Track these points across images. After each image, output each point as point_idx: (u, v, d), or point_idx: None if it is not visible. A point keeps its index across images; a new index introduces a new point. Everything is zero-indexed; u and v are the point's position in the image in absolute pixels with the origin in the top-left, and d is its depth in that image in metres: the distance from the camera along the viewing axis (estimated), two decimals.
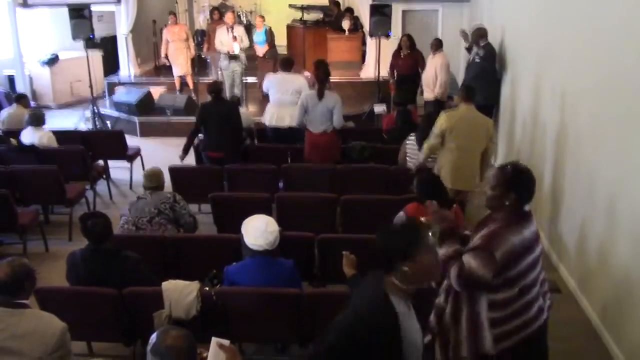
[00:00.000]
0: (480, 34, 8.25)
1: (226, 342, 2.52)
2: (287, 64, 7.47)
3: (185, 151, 6.74)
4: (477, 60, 8.22)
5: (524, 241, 2.91)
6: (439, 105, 8.41)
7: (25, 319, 3.02)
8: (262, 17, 11.73)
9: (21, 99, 8.28)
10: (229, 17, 10.20)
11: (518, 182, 2.97)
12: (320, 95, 6.46)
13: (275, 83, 7.41)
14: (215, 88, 6.74)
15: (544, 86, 6.35)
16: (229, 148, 6.62)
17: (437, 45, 8.86)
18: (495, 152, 8.65)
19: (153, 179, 4.99)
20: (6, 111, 8.31)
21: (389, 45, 10.45)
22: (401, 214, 4.35)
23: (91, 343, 4.35)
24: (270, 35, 11.29)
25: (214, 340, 2.52)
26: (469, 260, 2.93)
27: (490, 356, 3.02)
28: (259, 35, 11.42)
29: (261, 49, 11.30)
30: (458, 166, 5.56)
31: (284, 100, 7.26)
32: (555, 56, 5.99)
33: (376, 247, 2.45)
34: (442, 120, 5.56)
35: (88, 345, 4.34)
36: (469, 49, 8.70)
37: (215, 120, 6.58)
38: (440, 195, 4.05)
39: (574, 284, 5.26)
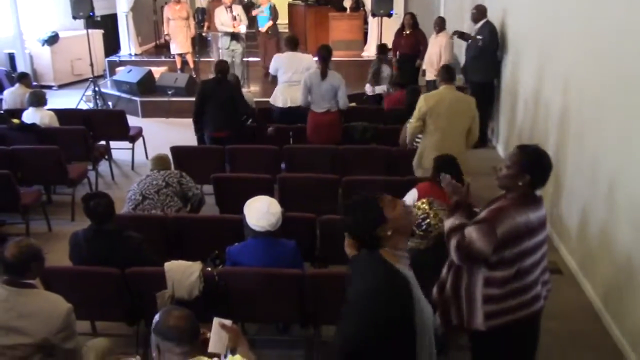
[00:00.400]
0: (480, 11, 8.19)
1: (228, 322, 2.53)
2: (293, 43, 7.39)
3: (201, 140, 6.87)
4: (479, 37, 8.17)
5: (528, 223, 2.91)
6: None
7: (32, 299, 3.05)
8: None
9: (23, 78, 8.23)
10: None
11: (536, 165, 2.96)
12: (324, 75, 6.44)
13: (285, 63, 7.31)
14: (222, 68, 6.71)
15: (547, 69, 6.32)
16: (233, 128, 6.61)
17: (441, 24, 8.80)
18: (497, 133, 8.65)
19: (160, 162, 5.07)
20: (8, 91, 8.29)
21: (391, 25, 10.39)
22: (413, 192, 4.35)
23: (95, 322, 4.38)
24: (274, 12, 11.23)
25: (216, 320, 2.54)
26: (470, 232, 2.93)
27: (482, 333, 3.03)
28: (264, 10, 11.35)
29: (265, 25, 11.25)
30: (442, 148, 5.38)
31: (294, 79, 7.17)
32: (559, 39, 5.94)
33: (351, 232, 2.38)
34: (421, 103, 5.50)
35: (92, 324, 4.37)
36: (463, 38, 8.64)
37: (217, 100, 6.56)
38: (453, 171, 4.06)
39: (575, 266, 5.28)
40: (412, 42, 9.39)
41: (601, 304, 4.71)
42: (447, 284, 3.16)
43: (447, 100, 5.45)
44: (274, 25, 11.27)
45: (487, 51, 8.12)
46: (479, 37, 8.18)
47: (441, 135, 5.46)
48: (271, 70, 7.52)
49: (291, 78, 7.23)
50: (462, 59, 10.13)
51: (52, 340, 3.02)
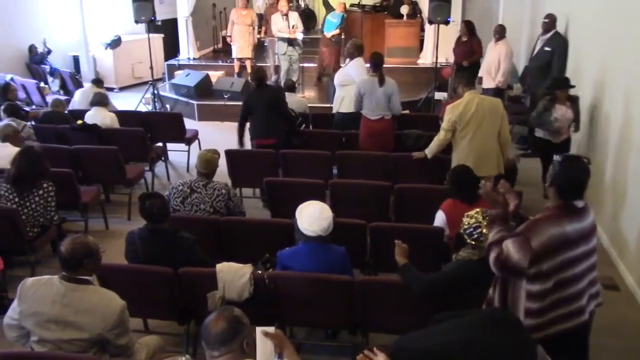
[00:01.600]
0: (552, 21, 8.02)
1: (271, 329, 2.53)
2: (361, 49, 7.28)
3: (241, 143, 6.86)
4: (547, 49, 8.00)
5: (563, 236, 2.87)
6: (498, 94, 8.24)
7: (88, 295, 3.13)
8: (344, 3, 11.71)
9: (97, 82, 8.68)
10: (282, 5, 10.25)
11: (560, 175, 2.95)
12: (382, 82, 6.41)
13: (355, 70, 7.14)
14: (258, 75, 6.74)
15: (608, 79, 6.14)
16: (277, 136, 6.64)
17: (501, 32, 8.65)
18: None
19: (207, 166, 4.91)
20: (80, 91, 8.61)
21: (448, 32, 10.28)
22: (440, 214, 4.32)
23: (147, 320, 4.48)
24: (345, 22, 11.28)
25: (259, 330, 2.53)
26: (507, 245, 2.93)
27: None
28: (334, 17, 11.42)
29: (331, 32, 11.31)
30: (478, 153, 5.40)
31: None
32: (621, 49, 5.77)
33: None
34: (448, 113, 5.46)
35: (144, 322, 4.47)
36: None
37: (261, 108, 6.60)
38: (472, 181, 4.02)
39: (633, 283, 5.10)
40: (467, 50, 9.27)
41: None
42: (495, 297, 3.14)
43: (473, 105, 5.38)
44: (340, 34, 11.32)
45: (556, 62, 7.92)
46: (546, 48, 8.01)
47: (475, 141, 5.40)
48: (343, 81, 7.20)
49: None
50: (520, 68, 9.96)
51: (106, 335, 3.09)
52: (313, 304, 3.88)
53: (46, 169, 5.20)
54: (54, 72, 11.30)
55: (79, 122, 7.08)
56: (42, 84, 10.52)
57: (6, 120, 6.27)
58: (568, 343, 3.02)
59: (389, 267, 4.05)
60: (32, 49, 11.69)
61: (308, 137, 7.09)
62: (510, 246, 2.91)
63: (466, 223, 3.51)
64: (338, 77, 7.40)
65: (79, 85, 10.72)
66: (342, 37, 11.20)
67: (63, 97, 9.45)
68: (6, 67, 10.83)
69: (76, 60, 12.43)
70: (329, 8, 12.79)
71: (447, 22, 9.72)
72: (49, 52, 11.80)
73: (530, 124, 7.34)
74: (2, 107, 6.66)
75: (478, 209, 3.65)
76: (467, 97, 5.46)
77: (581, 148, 6.84)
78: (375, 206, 5.39)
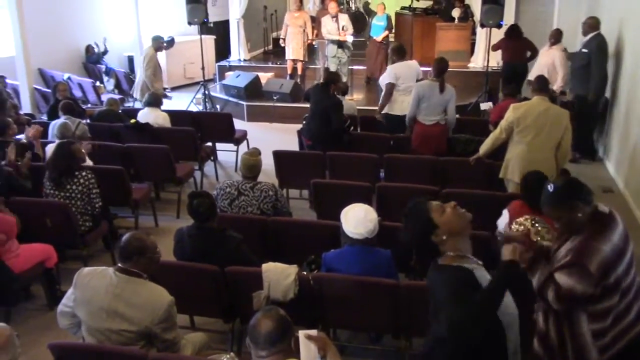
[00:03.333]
0: (590, 25, 7.83)
1: (313, 331, 2.53)
2: (403, 52, 7.34)
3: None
4: (585, 50, 7.81)
5: (615, 247, 2.77)
6: (552, 99, 8.06)
7: (140, 289, 3.21)
8: (383, 3, 11.72)
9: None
10: (332, 7, 10.28)
11: (572, 190, 2.85)
12: (442, 89, 6.37)
13: (400, 72, 7.22)
14: (329, 77, 6.81)
15: None
16: (323, 140, 6.70)
17: (557, 36, 8.45)
18: (608, 150, 8.22)
19: (252, 170, 4.91)
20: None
21: (500, 35, 10.13)
22: (504, 214, 4.23)
23: (193, 317, 4.55)
24: (390, 22, 11.28)
25: (301, 333, 2.53)
26: (565, 279, 2.80)
27: None
28: (380, 20, 11.42)
29: (381, 34, 11.30)
30: (530, 160, 5.19)
31: (411, 88, 7.00)
32: None
33: (410, 248, 2.50)
34: (509, 112, 5.30)
35: (190, 318, 4.54)
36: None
37: (314, 108, 6.68)
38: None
39: None
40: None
41: None
42: (551, 332, 3.01)
43: (536, 111, 5.21)
44: (388, 36, 11.31)
45: (593, 65, 7.72)
46: (584, 50, 7.83)
47: (530, 147, 5.24)
48: (391, 79, 7.23)
49: (409, 87, 7.14)
50: None
51: (153, 329, 3.16)
52: (357, 307, 3.87)
53: (73, 163, 5.27)
54: (109, 72, 11.62)
55: (132, 120, 7.24)
56: (97, 83, 10.82)
57: (62, 119, 6.46)
58: (636, 352, 2.92)
59: None
60: (89, 49, 12.05)
61: (355, 140, 7.08)
62: (568, 280, 2.79)
63: (515, 230, 3.45)
64: (380, 81, 7.52)
65: (132, 84, 10.97)
66: (391, 38, 11.20)
67: (117, 97, 9.70)
68: (64, 66, 11.19)
69: (130, 60, 12.73)
70: (370, 14, 12.79)
71: (499, 26, 9.59)
72: (105, 52, 12.13)
73: None
74: (60, 105, 6.86)
75: (527, 216, 3.59)
76: (533, 101, 5.32)
77: (637, 154, 6.63)
78: None
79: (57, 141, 5.74)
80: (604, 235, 2.79)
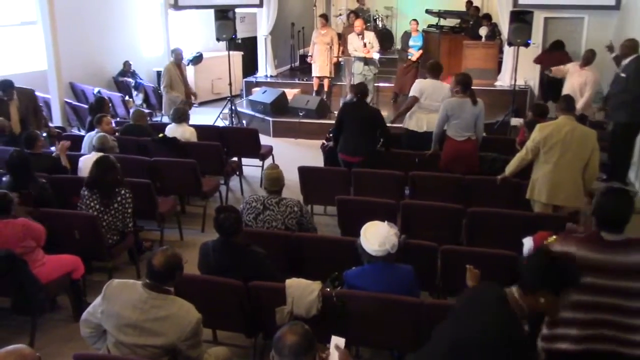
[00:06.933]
0: (629, 47, 7.73)
1: (342, 341, 2.58)
2: (438, 70, 7.35)
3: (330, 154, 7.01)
4: (623, 75, 7.70)
5: (583, 259, 2.99)
6: (581, 119, 7.96)
7: (168, 304, 3.23)
8: (417, 21, 11.76)
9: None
10: (357, 24, 10.33)
11: (599, 203, 3.08)
12: (475, 101, 6.36)
13: (427, 88, 7.25)
14: (360, 90, 6.77)
15: None
16: (365, 153, 6.65)
17: (591, 57, 8.34)
18: None
19: (276, 183, 4.94)
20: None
21: (528, 54, 10.08)
22: (529, 242, 4.14)
23: (216, 331, 4.56)
24: (425, 41, 11.31)
25: (333, 339, 2.59)
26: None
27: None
28: (415, 40, 11.49)
29: (416, 54, 11.38)
30: (556, 181, 5.19)
31: (434, 106, 7.10)
32: None
33: (532, 272, 2.61)
34: (536, 132, 5.27)
35: (213, 332, 4.55)
36: (617, 60, 8.20)
37: (354, 123, 6.62)
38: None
39: None
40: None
41: None
42: None
43: (563, 131, 5.16)
44: (423, 54, 11.36)
45: (632, 90, 7.60)
46: (622, 74, 7.72)
47: (556, 167, 5.20)
48: (416, 94, 7.27)
49: (431, 105, 7.15)
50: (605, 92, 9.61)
51: (179, 345, 3.17)
52: (380, 324, 3.85)
53: (118, 177, 5.40)
54: (138, 86, 11.79)
55: (160, 135, 7.33)
56: (126, 98, 10.98)
57: (98, 132, 6.57)
58: None
59: (459, 292, 3.97)
60: (126, 64, 12.25)
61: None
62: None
63: None
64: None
65: (160, 98, 11.12)
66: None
67: (146, 111, 9.84)
68: (94, 80, 11.39)
69: (159, 75, 12.89)
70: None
71: (527, 45, 9.53)
72: (129, 71, 12.33)
73: None
74: (95, 118, 6.97)
75: (555, 236, 3.55)
76: (560, 120, 5.27)
77: None
78: (447, 229, 5.31)
79: (94, 154, 5.86)
80: (582, 245, 3.04)
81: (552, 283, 2.59)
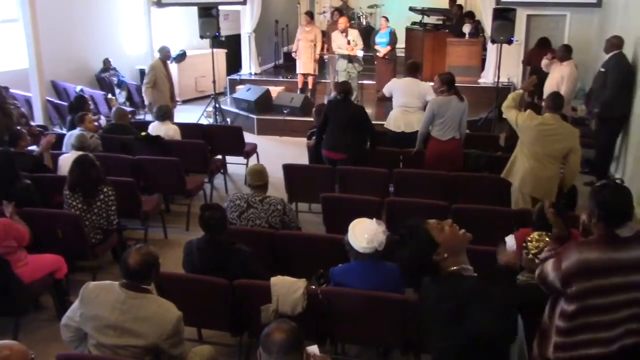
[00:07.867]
0: (613, 43, 7.81)
1: (315, 348, 2.59)
2: (414, 69, 7.38)
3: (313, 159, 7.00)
4: (602, 69, 7.79)
5: (592, 262, 2.82)
6: (562, 116, 8.03)
7: (147, 304, 3.20)
8: (387, 18, 11.77)
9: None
10: (341, 22, 10.34)
11: (602, 200, 2.88)
12: (461, 98, 6.39)
13: (401, 87, 7.30)
14: (344, 88, 6.77)
15: None
16: (349, 151, 6.62)
17: (566, 52, 8.44)
18: (621, 170, 8.16)
19: (258, 177, 4.91)
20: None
21: (511, 51, 10.14)
22: (511, 240, 4.16)
23: (201, 330, 4.54)
24: (393, 37, 11.32)
25: (307, 349, 2.58)
26: (547, 263, 2.98)
27: None
28: (382, 36, 11.47)
29: (383, 50, 11.35)
30: (537, 175, 5.37)
31: (409, 104, 7.15)
32: None
33: (409, 267, 2.50)
34: (526, 116, 5.40)
35: (198, 331, 4.53)
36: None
37: (339, 121, 6.61)
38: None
39: None
40: None
41: None
42: (545, 316, 3.13)
43: (547, 127, 5.32)
44: (392, 50, 11.34)
45: (611, 84, 7.69)
46: (602, 69, 7.81)
47: (535, 162, 5.39)
48: (385, 92, 7.48)
49: (406, 103, 7.18)
50: (587, 89, 9.71)
51: (161, 344, 3.15)
52: (366, 322, 3.85)
53: (100, 175, 5.35)
54: (121, 84, 11.71)
55: (143, 133, 7.28)
56: (109, 96, 10.89)
57: (78, 130, 6.50)
58: None
59: None
60: (105, 62, 12.15)
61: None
62: (548, 265, 2.96)
63: (534, 247, 3.46)
64: None
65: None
66: (399, 53, 11.26)
67: (129, 109, 9.75)
68: (76, 78, 11.28)
69: (142, 73, 12.80)
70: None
71: (510, 42, 9.59)
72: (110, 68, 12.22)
73: None
74: (77, 117, 6.89)
75: (542, 232, 3.58)
76: (545, 117, 5.39)
77: None
78: None
79: (73, 152, 5.80)
80: (590, 248, 2.86)
81: None
